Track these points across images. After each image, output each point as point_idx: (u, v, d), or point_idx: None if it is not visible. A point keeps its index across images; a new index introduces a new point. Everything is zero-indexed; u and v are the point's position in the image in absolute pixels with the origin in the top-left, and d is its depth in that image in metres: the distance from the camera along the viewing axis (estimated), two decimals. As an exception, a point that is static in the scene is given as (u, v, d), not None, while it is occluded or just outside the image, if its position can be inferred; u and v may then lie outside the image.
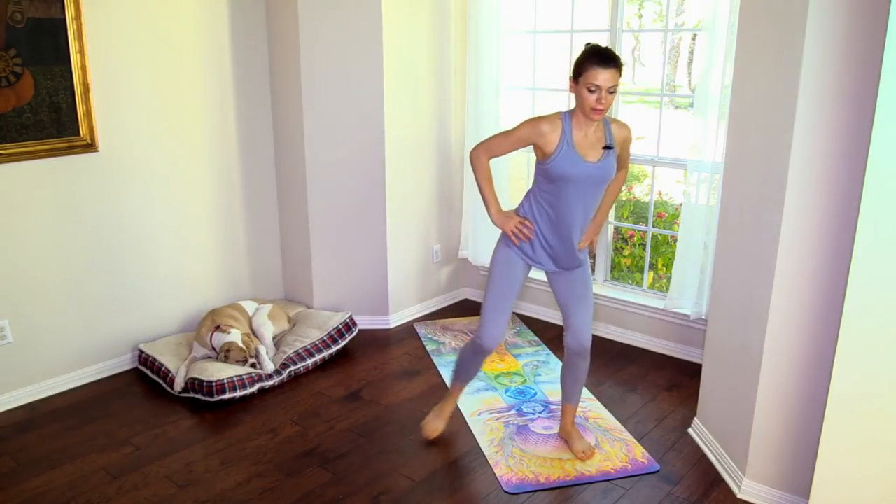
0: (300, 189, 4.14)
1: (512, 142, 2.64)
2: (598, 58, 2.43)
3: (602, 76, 2.42)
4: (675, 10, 6.73)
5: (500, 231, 2.78)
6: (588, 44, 2.53)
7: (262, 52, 4.07)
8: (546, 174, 2.61)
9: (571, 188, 2.59)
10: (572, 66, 2.52)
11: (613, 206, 4.31)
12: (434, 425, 3.10)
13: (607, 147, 2.60)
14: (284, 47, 3.98)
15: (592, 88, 2.44)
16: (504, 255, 2.77)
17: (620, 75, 2.48)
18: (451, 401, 3.12)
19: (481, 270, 4.67)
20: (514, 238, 2.71)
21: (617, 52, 2.55)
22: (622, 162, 2.74)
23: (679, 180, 4.87)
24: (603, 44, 2.53)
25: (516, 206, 2.79)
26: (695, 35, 7.54)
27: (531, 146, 2.65)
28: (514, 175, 4.57)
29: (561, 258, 2.74)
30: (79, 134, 3.38)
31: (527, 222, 2.69)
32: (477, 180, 2.73)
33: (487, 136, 4.23)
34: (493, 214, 2.73)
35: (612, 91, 2.45)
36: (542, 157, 2.61)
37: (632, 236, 5.32)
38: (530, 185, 2.75)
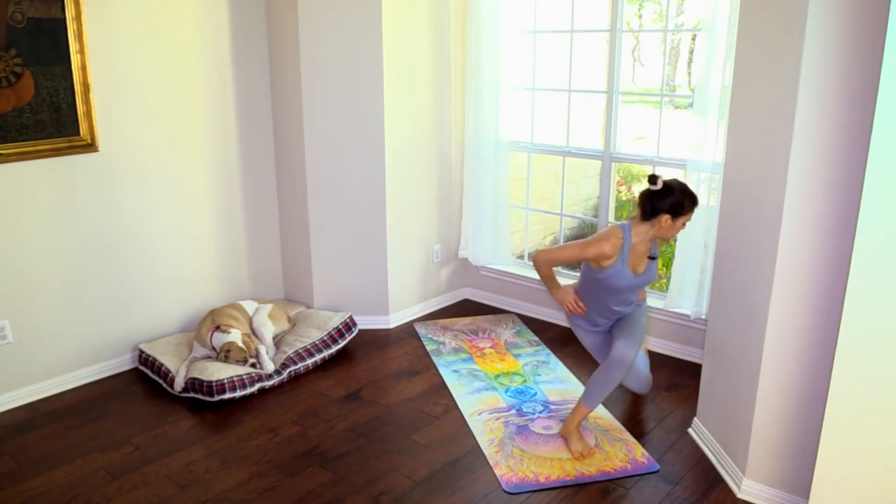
0: (300, 189, 4.14)
1: (578, 258, 3.00)
2: (696, 202, 2.89)
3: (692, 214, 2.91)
4: (675, 10, 6.73)
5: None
6: (656, 177, 2.84)
7: (262, 52, 4.07)
8: (597, 283, 2.96)
9: (615, 294, 2.98)
10: (669, 204, 2.83)
11: (614, 206, 4.33)
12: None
13: (651, 258, 2.97)
14: (284, 47, 3.98)
15: (685, 222, 2.90)
16: (571, 322, 3.23)
17: None
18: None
19: (481, 270, 4.67)
20: (568, 310, 3.11)
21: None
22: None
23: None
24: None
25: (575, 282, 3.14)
26: (695, 35, 7.54)
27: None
28: (514, 175, 4.57)
29: (603, 326, 3.17)
30: (79, 134, 3.38)
31: (580, 302, 3.07)
32: (541, 279, 3.09)
33: (493, 133, 4.28)
34: (554, 293, 3.11)
35: None
36: (597, 266, 2.93)
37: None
38: (579, 282, 3.10)
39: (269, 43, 4.07)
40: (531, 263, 3.12)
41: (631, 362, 2.93)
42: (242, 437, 3.13)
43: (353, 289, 4.27)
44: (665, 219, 2.84)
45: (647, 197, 2.87)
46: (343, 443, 3.09)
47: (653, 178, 2.86)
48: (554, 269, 3.10)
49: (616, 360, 2.92)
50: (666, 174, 2.97)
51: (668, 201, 2.83)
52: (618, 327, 3.09)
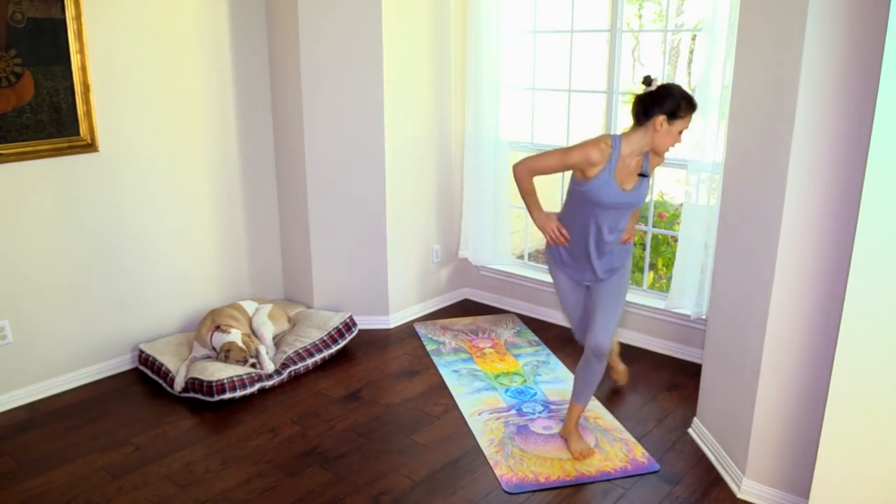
0: (300, 189, 4.14)
1: (561, 166, 2.71)
2: (694, 107, 2.60)
3: (691, 121, 2.63)
4: (675, 10, 6.73)
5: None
6: (650, 79, 2.62)
7: (262, 52, 4.07)
8: (580, 195, 2.71)
9: (601, 211, 2.71)
10: (664, 103, 2.57)
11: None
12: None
13: (643, 175, 2.71)
14: (284, 47, 3.98)
15: (682, 131, 2.61)
16: (557, 276, 2.99)
17: None
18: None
19: (481, 270, 4.67)
20: (550, 239, 2.86)
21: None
22: None
23: (679, 180, 4.87)
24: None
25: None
26: (695, 35, 7.53)
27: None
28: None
29: (597, 271, 2.86)
30: (79, 134, 3.38)
31: (563, 230, 2.82)
32: (521, 194, 2.84)
33: (493, 133, 4.26)
34: (535, 217, 2.87)
35: None
36: (581, 178, 2.69)
37: (632, 236, 5.32)
38: (563, 205, 2.86)
39: (269, 43, 4.07)
40: (512, 174, 2.82)
41: (609, 349, 2.85)
42: (242, 437, 3.13)
43: (353, 289, 4.27)
44: (660, 120, 2.56)
45: (640, 100, 2.62)
46: (343, 443, 3.09)
47: (647, 79, 2.63)
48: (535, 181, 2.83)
49: (594, 353, 2.85)
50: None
51: (664, 102, 2.56)
52: (597, 301, 2.88)
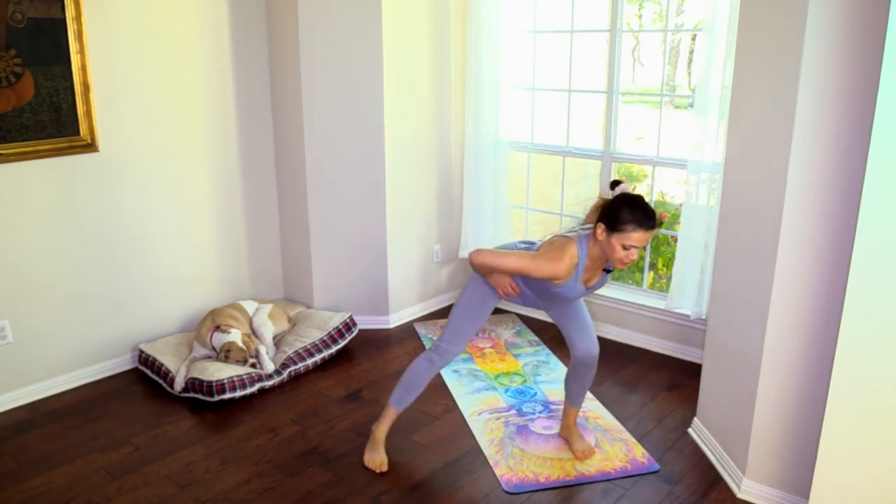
0: (300, 189, 4.14)
1: (522, 274, 2.54)
2: (642, 215, 2.33)
3: (641, 238, 2.34)
4: (675, 10, 6.73)
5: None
6: (617, 183, 2.45)
7: (262, 52, 4.07)
8: (543, 287, 2.57)
9: (560, 300, 2.66)
10: (605, 211, 2.39)
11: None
12: (381, 458, 2.90)
13: (607, 270, 2.58)
14: (284, 47, 3.98)
15: (627, 247, 2.36)
16: (481, 285, 2.73)
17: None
18: (388, 422, 2.91)
19: (481, 270, 4.67)
20: (503, 293, 2.67)
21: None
22: None
23: (680, 180, 4.87)
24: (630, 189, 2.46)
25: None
26: (695, 35, 7.53)
27: None
28: (514, 175, 4.57)
29: (539, 306, 2.80)
30: (79, 134, 3.38)
31: (516, 287, 2.65)
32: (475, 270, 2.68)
33: (493, 133, 4.25)
34: (487, 278, 2.69)
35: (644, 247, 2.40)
36: (547, 279, 2.52)
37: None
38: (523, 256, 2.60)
39: (269, 43, 4.07)
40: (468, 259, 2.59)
41: (598, 353, 2.82)
42: (242, 437, 3.13)
43: (353, 289, 4.27)
44: (600, 230, 2.40)
45: (600, 205, 2.49)
46: (343, 443, 3.09)
47: (613, 184, 2.49)
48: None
49: (587, 363, 2.82)
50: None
51: (608, 211, 2.38)
52: (566, 313, 2.79)
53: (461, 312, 2.79)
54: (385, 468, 2.88)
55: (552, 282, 2.52)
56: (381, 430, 2.92)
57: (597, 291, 4.11)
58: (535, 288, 2.64)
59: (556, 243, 2.52)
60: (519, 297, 2.72)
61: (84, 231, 3.50)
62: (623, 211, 2.34)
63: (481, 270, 2.64)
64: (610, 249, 2.40)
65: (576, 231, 2.58)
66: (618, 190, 2.45)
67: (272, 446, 3.07)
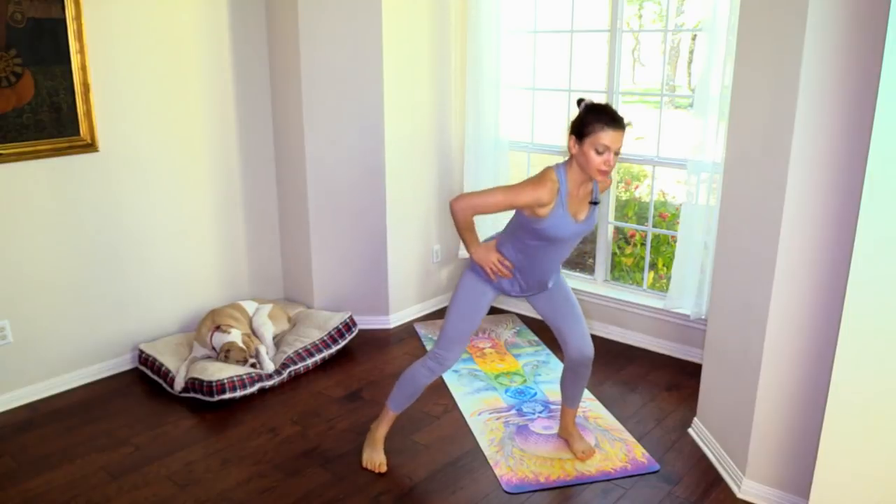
0: (300, 189, 4.14)
1: (506, 206, 2.48)
2: (607, 116, 2.33)
3: (611, 136, 2.32)
4: (675, 10, 6.72)
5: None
6: (582, 100, 2.43)
7: (262, 52, 4.07)
8: (534, 233, 2.51)
9: (555, 244, 2.55)
10: (572, 124, 2.40)
11: (614, 206, 4.33)
12: (380, 458, 2.90)
13: (594, 203, 2.55)
14: (284, 47, 3.98)
15: (601, 150, 2.33)
16: (474, 284, 2.69)
17: (624, 135, 2.38)
18: (387, 425, 2.91)
19: (481, 270, 4.67)
20: (492, 275, 2.63)
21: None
22: None
23: (681, 180, 4.87)
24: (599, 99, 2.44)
25: (495, 234, 2.70)
26: (695, 35, 7.53)
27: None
28: (514, 175, 4.56)
29: (532, 286, 2.71)
30: (79, 134, 3.38)
31: (506, 262, 2.61)
32: (458, 230, 2.60)
33: (493, 134, 4.25)
34: (472, 252, 2.63)
35: (618, 152, 2.38)
36: (532, 216, 2.48)
37: (632, 236, 5.32)
38: (508, 226, 2.63)
39: (269, 43, 4.07)
40: (449, 209, 2.56)
41: (592, 353, 2.79)
42: (242, 437, 3.13)
43: (353, 289, 4.27)
44: (571, 142, 2.39)
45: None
46: (343, 443, 3.09)
47: (578, 102, 2.44)
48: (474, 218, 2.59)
49: (582, 362, 2.81)
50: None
51: (574, 123, 2.39)
52: (560, 312, 2.76)
53: (456, 316, 2.71)
54: (384, 469, 2.88)
55: (540, 218, 2.45)
56: (381, 431, 2.92)
57: (597, 291, 4.15)
58: (529, 254, 2.57)
59: (537, 173, 2.50)
60: (512, 284, 2.66)
61: (84, 231, 3.50)
62: (588, 116, 2.35)
63: (463, 217, 2.54)
64: (585, 161, 2.37)
65: None
66: (583, 106, 2.42)
67: (272, 446, 3.07)
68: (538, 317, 4.42)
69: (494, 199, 2.48)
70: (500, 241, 2.64)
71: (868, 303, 2.00)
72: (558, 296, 2.77)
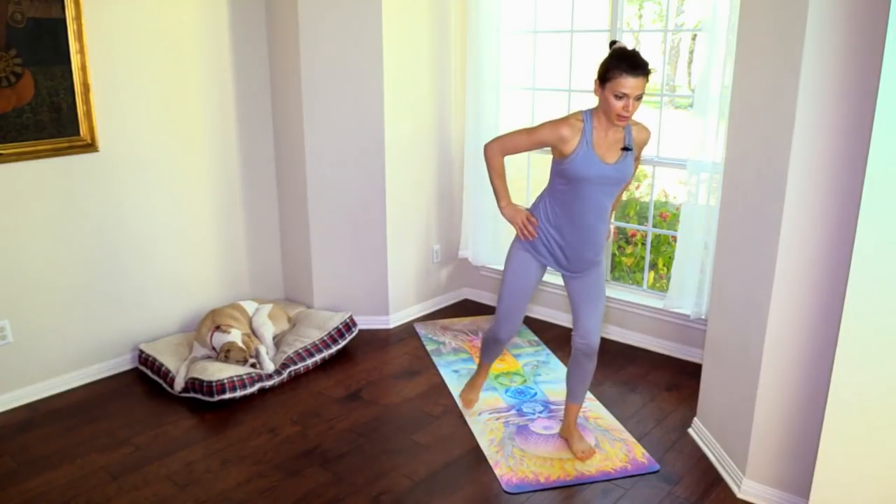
0: (300, 189, 4.14)
1: (531, 143, 2.64)
2: (626, 64, 2.39)
3: (630, 83, 2.39)
4: (675, 11, 6.72)
5: (510, 232, 2.81)
6: (614, 43, 2.52)
7: (262, 52, 4.07)
8: (563, 174, 2.61)
9: (587, 189, 2.59)
10: (598, 68, 2.47)
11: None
12: (469, 396, 3.29)
13: (626, 149, 2.59)
14: (284, 47, 3.98)
15: (619, 95, 2.41)
16: (518, 256, 2.81)
17: (648, 81, 2.45)
18: (482, 373, 3.25)
19: (481, 270, 4.67)
20: (520, 234, 2.76)
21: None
22: (635, 162, 2.73)
23: (682, 180, 4.86)
24: (629, 46, 2.50)
25: (532, 203, 2.81)
26: (695, 35, 7.53)
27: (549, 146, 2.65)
28: (514, 175, 4.56)
29: (573, 260, 2.75)
30: (79, 134, 3.38)
31: (533, 219, 2.73)
32: (490, 175, 2.76)
33: (493, 134, 4.26)
34: (503, 207, 2.77)
35: (639, 98, 2.43)
36: (560, 157, 2.60)
37: (633, 236, 5.32)
38: (546, 185, 2.75)
39: (269, 43, 4.07)
40: (483, 154, 2.74)
41: (596, 343, 2.81)
42: (242, 437, 3.13)
43: (353, 289, 4.27)
44: (596, 86, 2.49)
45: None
46: (343, 443, 3.09)
47: (611, 44, 2.52)
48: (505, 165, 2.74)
49: (585, 352, 2.82)
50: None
51: (599, 66, 2.46)
52: (581, 297, 2.80)
53: (504, 291, 2.86)
54: (470, 406, 3.29)
55: (566, 157, 2.55)
56: (479, 379, 3.25)
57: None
58: (564, 204, 2.64)
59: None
60: (552, 252, 2.73)
61: (84, 231, 3.50)
62: (611, 61, 2.43)
63: (493, 157, 2.70)
64: (606, 105, 2.46)
65: None
66: (615, 48, 2.49)
67: (272, 446, 3.07)
68: (538, 317, 4.44)
69: (521, 135, 2.66)
70: (535, 202, 2.77)
71: (868, 303, 2.00)
72: (591, 281, 2.81)
